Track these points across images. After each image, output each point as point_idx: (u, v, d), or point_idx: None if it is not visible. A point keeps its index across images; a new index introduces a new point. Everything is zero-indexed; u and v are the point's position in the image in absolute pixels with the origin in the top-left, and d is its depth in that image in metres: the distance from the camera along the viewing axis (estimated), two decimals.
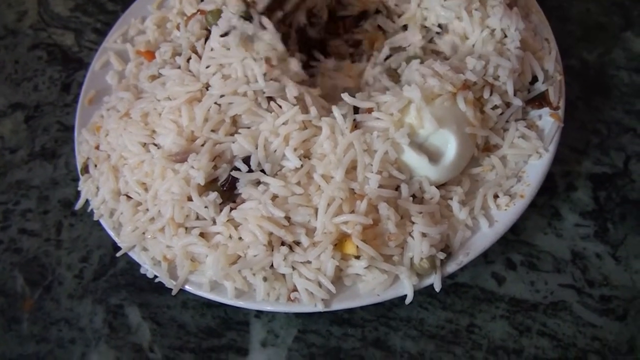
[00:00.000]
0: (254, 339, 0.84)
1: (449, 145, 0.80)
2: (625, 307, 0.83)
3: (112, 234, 0.87)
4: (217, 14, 0.85)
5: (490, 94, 0.83)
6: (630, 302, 0.83)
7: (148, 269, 0.83)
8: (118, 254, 0.84)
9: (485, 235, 0.79)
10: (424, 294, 0.79)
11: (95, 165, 0.90)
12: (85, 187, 0.90)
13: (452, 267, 0.78)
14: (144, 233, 0.83)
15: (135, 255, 0.84)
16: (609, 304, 0.83)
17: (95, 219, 0.88)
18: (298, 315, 0.84)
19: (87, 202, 0.91)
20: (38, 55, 1.22)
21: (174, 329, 0.86)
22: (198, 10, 0.89)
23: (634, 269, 0.85)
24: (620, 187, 0.92)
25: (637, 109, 0.99)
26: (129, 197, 0.85)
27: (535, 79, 0.88)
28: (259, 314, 0.85)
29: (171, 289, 0.80)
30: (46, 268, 0.96)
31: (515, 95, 0.84)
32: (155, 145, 0.84)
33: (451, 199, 0.81)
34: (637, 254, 0.86)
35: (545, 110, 0.87)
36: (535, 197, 0.83)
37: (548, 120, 0.86)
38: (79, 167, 0.94)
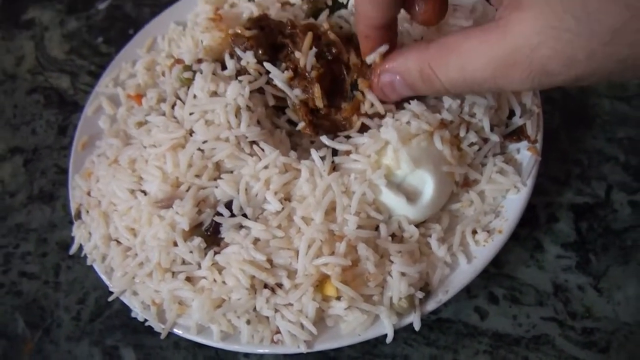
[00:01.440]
0: None
1: (426, 184, 0.81)
2: (607, 339, 0.83)
3: (104, 278, 0.89)
4: (188, 69, 0.87)
5: (467, 132, 0.84)
6: (613, 334, 0.84)
7: (138, 313, 0.85)
8: (110, 299, 0.86)
9: (464, 272, 0.80)
10: (408, 330, 0.79)
11: (87, 211, 0.93)
12: (78, 232, 0.93)
13: (431, 306, 0.79)
14: (133, 278, 0.85)
15: (126, 299, 0.86)
16: (592, 337, 0.84)
17: (88, 263, 0.91)
18: (286, 355, 0.86)
19: (81, 246, 0.93)
20: (36, 99, 1.25)
21: None
22: (176, 60, 0.91)
23: (616, 300, 0.86)
24: (602, 218, 0.93)
25: (618, 137, 1.00)
26: (119, 243, 0.88)
27: (513, 113, 0.89)
28: (248, 354, 0.87)
29: None
30: (45, 310, 0.99)
31: (492, 130, 0.85)
32: (143, 191, 0.86)
33: (430, 236, 0.82)
34: (619, 285, 0.87)
35: (524, 143, 0.88)
36: (517, 229, 0.84)
37: (526, 154, 0.87)
38: (72, 213, 0.96)
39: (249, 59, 0.85)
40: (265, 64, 0.85)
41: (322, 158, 0.83)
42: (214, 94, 0.85)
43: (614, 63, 0.57)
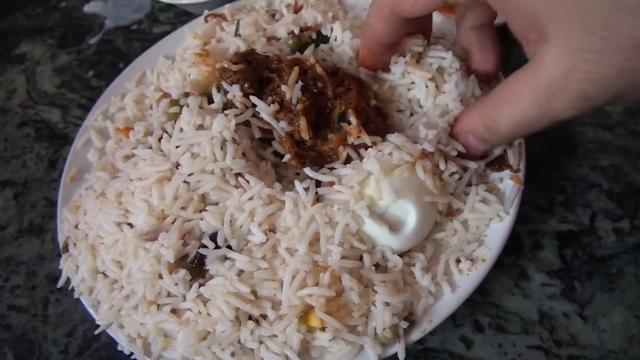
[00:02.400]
0: None
1: (409, 214, 0.82)
2: None
3: (91, 311, 0.89)
4: (175, 103, 0.89)
5: (446, 163, 0.84)
6: None
7: (124, 346, 0.85)
8: (96, 332, 0.86)
9: (449, 301, 0.81)
10: None
11: (75, 244, 0.93)
12: (65, 265, 0.93)
13: (416, 335, 0.79)
14: (119, 310, 0.85)
15: (112, 332, 0.86)
16: None
17: (75, 297, 0.91)
18: None
19: (69, 278, 0.94)
20: (26, 132, 1.27)
21: None
22: (163, 94, 0.93)
23: (601, 327, 0.86)
24: (587, 245, 0.93)
25: (602, 165, 1.01)
26: (105, 275, 0.88)
27: None
28: None
29: None
30: (34, 344, 0.99)
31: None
32: (129, 224, 0.87)
33: (414, 265, 0.83)
34: (604, 313, 0.87)
35: (506, 172, 0.88)
36: (502, 257, 0.84)
37: (509, 183, 0.87)
38: (60, 246, 0.97)
39: (235, 92, 0.86)
40: (251, 97, 0.86)
41: (306, 189, 0.83)
42: (200, 127, 0.86)
43: None
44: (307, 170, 0.84)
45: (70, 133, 1.23)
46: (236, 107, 0.87)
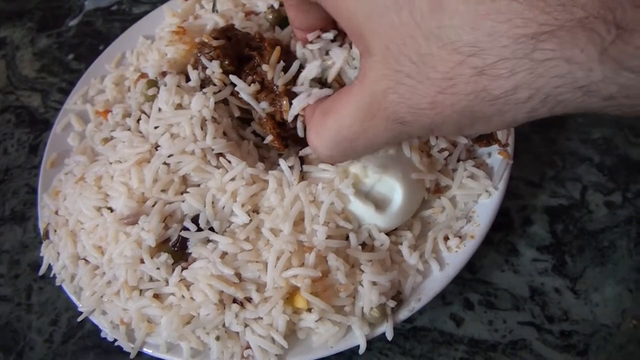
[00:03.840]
0: None
1: (395, 192, 0.80)
2: (586, 341, 0.82)
3: (73, 298, 0.87)
4: (152, 84, 0.86)
5: (437, 139, 0.83)
6: (591, 337, 0.82)
7: (107, 332, 0.83)
8: (79, 319, 0.85)
9: (437, 279, 0.79)
10: (383, 340, 0.78)
11: (55, 231, 0.91)
12: (46, 252, 0.91)
13: (404, 314, 0.77)
14: (102, 297, 0.83)
15: (95, 319, 0.84)
16: (570, 340, 0.82)
17: (57, 284, 0.89)
18: None
19: (50, 266, 0.92)
20: (7, 118, 1.24)
21: None
22: (141, 74, 0.90)
23: (594, 302, 0.85)
24: (578, 219, 0.92)
25: (593, 138, 0.99)
26: (87, 262, 0.86)
27: None
28: None
29: None
30: (18, 333, 0.96)
31: None
32: (109, 208, 0.85)
33: (401, 244, 0.81)
34: (596, 287, 0.86)
35: (495, 147, 0.87)
36: (491, 234, 0.83)
37: (497, 158, 0.86)
38: (41, 233, 0.95)
39: (214, 68, 0.84)
40: (231, 76, 0.83)
41: (291, 168, 0.81)
42: (179, 106, 0.83)
43: (457, 115, 0.51)
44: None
45: (51, 118, 1.20)
46: (214, 85, 0.84)
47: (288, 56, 0.84)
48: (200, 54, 0.85)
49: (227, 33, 0.87)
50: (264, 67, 0.82)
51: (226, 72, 0.84)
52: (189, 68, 0.86)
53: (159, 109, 0.85)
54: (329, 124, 0.64)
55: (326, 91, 0.75)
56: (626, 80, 0.42)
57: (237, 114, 0.86)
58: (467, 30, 0.46)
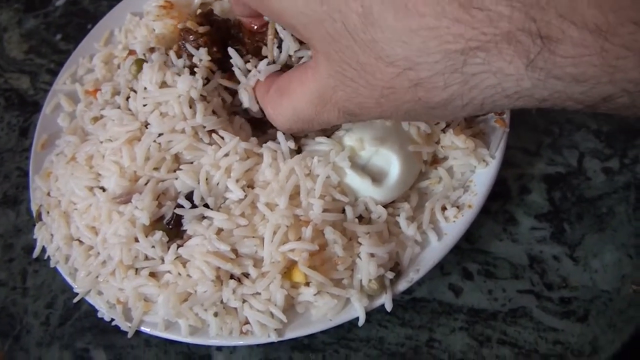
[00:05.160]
0: None
1: (392, 165, 0.79)
2: (586, 307, 0.82)
3: (68, 280, 0.86)
4: (140, 63, 0.84)
5: None
6: (591, 302, 0.82)
7: (104, 313, 0.82)
8: (75, 300, 0.84)
9: (435, 250, 0.78)
10: (383, 311, 0.78)
11: (48, 212, 0.90)
12: (40, 234, 0.90)
13: (402, 286, 0.77)
14: (97, 277, 0.82)
15: (91, 300, 0.84)
16: (569, 306, 0.82)
17: (51, 265, 0.88)
18: (259, 344, 0.83)
19: (44, 248, 0.91)
20: None
21: None
22: (129, 51, 0.88)
23: (593, 268, 0.84)
24: (575, 186, 0.91)
25: None
26: (80, 242, 0.85)
27: None
28: (221, 346, 0.85)
29: None
30: (14, 317, 0.96)
31: None
32: (101, 188, 0.84)
33: (399, 215, 0.80)
34: (595, 253, 0.85)
35: (491, 116, 0.86)
36: (489, 203, 0.82)
37: (494, 127, 0.85)
38: (34, 215, 0.94)
39: (202, 56, 0.82)
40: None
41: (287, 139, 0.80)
42: (164, 84, 0.82)
43: (403, 113, 0.55)
44: None
45: (40, 100, 1.18)
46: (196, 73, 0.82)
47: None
48: (185, 41, 0.83)
49: (208, 18, 0.85)
50: (264, 50, 0.80)
51: (214, 60, 0.83)
52: (172, 55, 0.83)
53: (145, 88, 0.83)
54: (284, 104, 0.69)
55: (274, 67, 0.78)
56: (555, 87, 0.43)
57: (229, 100, 0.84)
58: (400, 44, 0.47)
